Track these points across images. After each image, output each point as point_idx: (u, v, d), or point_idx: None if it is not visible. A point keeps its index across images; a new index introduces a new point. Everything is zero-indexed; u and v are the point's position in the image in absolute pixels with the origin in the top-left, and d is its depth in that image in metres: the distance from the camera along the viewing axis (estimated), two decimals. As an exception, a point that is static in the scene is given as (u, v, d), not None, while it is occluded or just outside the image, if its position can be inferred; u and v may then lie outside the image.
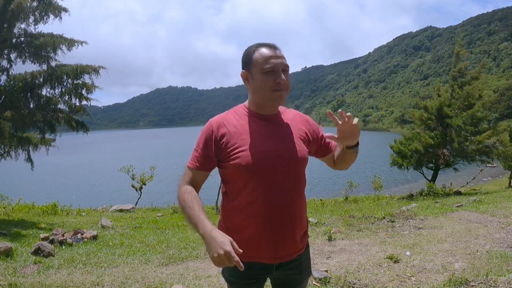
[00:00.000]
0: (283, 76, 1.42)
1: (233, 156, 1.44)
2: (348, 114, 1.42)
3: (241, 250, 1.27)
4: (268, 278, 1.62)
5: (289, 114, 1.61)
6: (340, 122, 1.45)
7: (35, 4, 10.08)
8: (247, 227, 1.48)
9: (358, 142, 1.54)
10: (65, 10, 10.61)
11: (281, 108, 1.60)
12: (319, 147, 1.64)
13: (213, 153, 1.47)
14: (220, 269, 1.63)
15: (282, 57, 1.45)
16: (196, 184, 1.49)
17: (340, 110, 1.51)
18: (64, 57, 10.60)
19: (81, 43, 10.72)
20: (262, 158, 1.43)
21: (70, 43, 10.46)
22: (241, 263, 1.24)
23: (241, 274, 1.51)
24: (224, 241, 1.26)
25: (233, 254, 1.24)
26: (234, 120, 1.51)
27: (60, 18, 10.56)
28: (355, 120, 1.43)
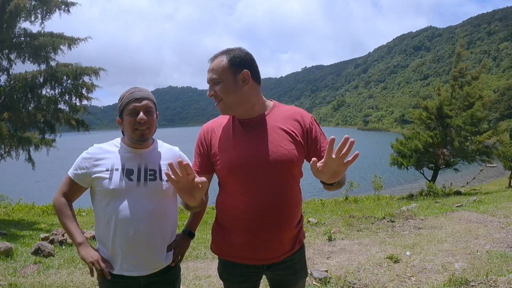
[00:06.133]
0: (209, 93, 1.46)
1: (218, 161, 1.49)
2: (345, 150, 1.18)
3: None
4: (264, 276, 1.63)
5: (283, 112, 1.53)
6: (333, 155, 1.19)
7: (33, 2, 10.06)
8: (233, 229, 1.52)
9: (338, 181, 1.35)
10: (72, 3, 10.55)
11: (274, 106, 1.55)
12: (308, 149, 1.51)
13: (206, 157, 1.53)
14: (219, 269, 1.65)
15: (211, 71, 1.45)
16: None
17: (345, 139, 1.17)
18: (64, 56, 10.58)
19: (84, 39, 10.70)
20: (242, 162, 1.43)
21: (71, 41, 10.44)
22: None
23: (232, 272, 1.57)
24: None
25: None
26: (222, 126, 1.54)
27: (68, 11, 10.50)
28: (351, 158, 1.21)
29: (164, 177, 1.62)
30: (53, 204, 1.65)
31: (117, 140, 1.68)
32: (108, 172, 1.56)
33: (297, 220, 1.56)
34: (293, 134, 1.48)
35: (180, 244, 1.75)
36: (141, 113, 1.55)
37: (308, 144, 1.51)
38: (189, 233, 1.80)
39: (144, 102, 1.57)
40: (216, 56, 1.46)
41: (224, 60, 1.42)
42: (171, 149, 1.75)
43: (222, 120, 1.56)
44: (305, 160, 1.52)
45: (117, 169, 1.57)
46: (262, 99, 1.54)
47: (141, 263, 1.58)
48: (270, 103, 1.57)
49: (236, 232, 1.50)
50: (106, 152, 1.62)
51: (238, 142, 1.47)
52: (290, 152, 1.45)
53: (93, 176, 1.57)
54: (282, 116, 1.51)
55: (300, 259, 1.61)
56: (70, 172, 1.62)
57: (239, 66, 1.42)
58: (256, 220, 1.45)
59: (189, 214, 1.88)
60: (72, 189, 1.63)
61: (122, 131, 1.68)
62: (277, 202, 1.45)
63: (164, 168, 1.63)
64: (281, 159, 1.43)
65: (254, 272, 1.56)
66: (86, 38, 10.70)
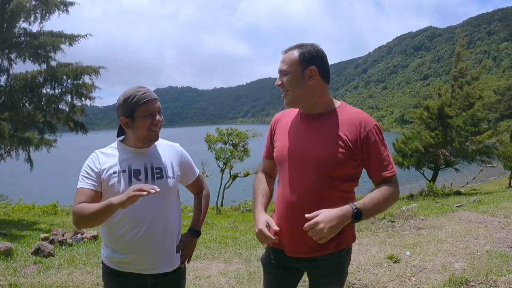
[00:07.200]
0: (277, 82, 1.54)
1: (274, 149, 1.64)
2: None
3: (277, 228, 1.50)
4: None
5: (345, 115, 1.51)
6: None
7: (34, 3, 10.06)
8: (277, 217, 1.60)
9: (359, 215, 1.40)
10: (71, 3, 10.56)
11: (339, 107, 1.54)
12: (362, 158, 1.49)
13: (271, 144, 1.68)
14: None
15: (282, 62, 1.52)
16: (267, 172, 1.75)
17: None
18: (65, 56, 10.57)
19: (84, 36, 10.69)
20: (288, 155, 1.52)
21: (71, 38, 10.44)
22: (272, 237, 1.48)
23: (269, 260, 1.66)
24: (260, 221, 1.52)
25: (265, 231, 1.49)
26: (289, 117, 1.64)
27: (67, 11, 10.52)
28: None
29: (170, 174, 1.64)
30: (75, 214, 1.48)
31: (115, 144, 1.66)
32: (116, 174, 1.55)
33: None
34: (345, 138, 1.45)
35: (187, 245, 1.75)
36: (158, 115, 1.57)
37: (363, 152, 1.48)
38: (195, 231, 1.80)
39: (158, 103, 1.59)
40: (290, 49, 1.53)
41: (295, 53, 1.49)
42: (172, 145, 1.75)
43: (292, 111, 1.65)
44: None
45: (124, 171, 1.56)
46: (328, 98, 1.54)
47: (153, 262, 1.59)
48: (337, 103, 1.56)
49: (277, 218, 1.58)
50: (109, 156, 1.60)
51: (290, 135, 1.56)
52: (334, 155, 1.43)
53: (102, 180, 1.55)
54: (342, 118, 1.50)
55: (334, 263, 1.55)
56: (81, 184, 1.52)
57: (308, 61, 1.47)
58: (287, 214, 1.53)
59: (192, 213, 1.88)
60: (88, 198, 1.51)
61: (121, 131, 1.66)
62: (308, 202, 1.46)
63: (169, 165, 1.65)
64: (321, 160, 1.45)
65: (285, 261, 1.59)
66: (86, 35, 10.71)
